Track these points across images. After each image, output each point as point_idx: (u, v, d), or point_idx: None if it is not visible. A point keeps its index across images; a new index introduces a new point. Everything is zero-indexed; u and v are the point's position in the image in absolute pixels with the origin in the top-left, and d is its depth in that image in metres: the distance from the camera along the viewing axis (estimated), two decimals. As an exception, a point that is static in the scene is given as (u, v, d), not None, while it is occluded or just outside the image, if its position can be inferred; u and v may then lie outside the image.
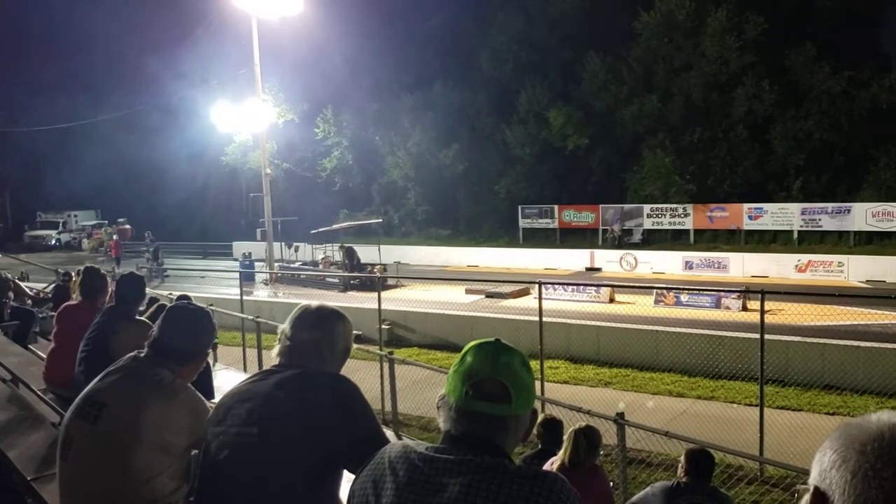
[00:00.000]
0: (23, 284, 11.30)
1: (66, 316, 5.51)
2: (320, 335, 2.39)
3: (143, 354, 2.72)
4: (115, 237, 34.01)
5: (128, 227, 49.27)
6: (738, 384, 12.81)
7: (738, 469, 8.11)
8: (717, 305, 19.14)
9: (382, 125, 42.73)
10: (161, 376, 2.64)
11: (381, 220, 36.20)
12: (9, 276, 10.28)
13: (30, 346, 7.91)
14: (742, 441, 9.17)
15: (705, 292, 19.96)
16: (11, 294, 9.79)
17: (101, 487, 2.50)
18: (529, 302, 17.91)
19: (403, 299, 19.88)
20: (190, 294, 9.46)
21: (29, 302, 10.30)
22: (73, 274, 8.20)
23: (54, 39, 57.57)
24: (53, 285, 12.16)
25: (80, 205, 52.60)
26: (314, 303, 2.53)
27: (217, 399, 2.50)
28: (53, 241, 49.78)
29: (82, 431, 2.56)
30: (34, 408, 4.77)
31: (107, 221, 50.87)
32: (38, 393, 4.88)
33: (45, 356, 5.84)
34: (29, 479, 3.55)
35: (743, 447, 8.40)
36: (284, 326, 2.43)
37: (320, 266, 28.99)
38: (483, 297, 22.16)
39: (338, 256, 29.06)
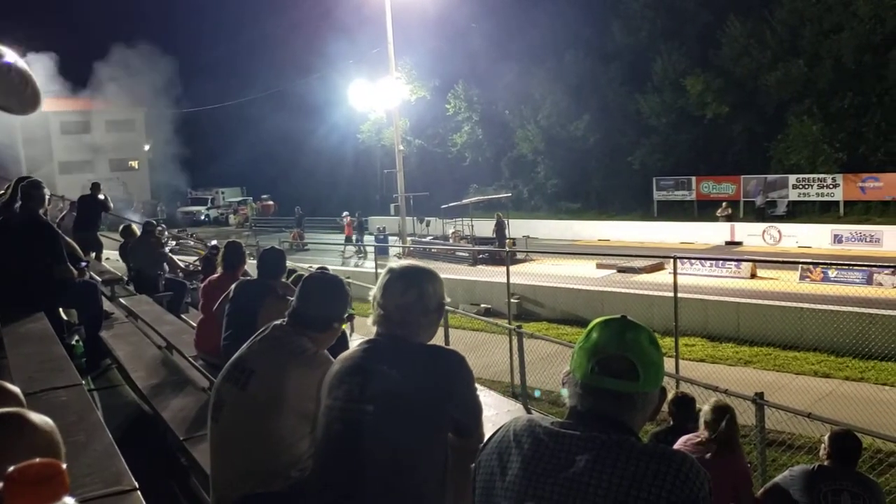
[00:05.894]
0: (175, 258, 12.05)
1: (211, 288, 5.89)
2: (411, 300, 2.35)
3: (284, 323, 2.80)
4: (347, 217, 34.28)
5: (270, 202, 51.47)
6: (890, 365, 12.04)
7: (889, 455, 7.63)
8: (869, 282, 17.93)
9: (513, 99, 42.45)
10: (303, 346, 2.71)
11: (510, 195, 36.12)
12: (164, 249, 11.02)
13: (182, 316, 8.44)
14: (894, 425, 8.61)
15: (856, 267, 18.77)
16: (166, 266, 10.51)
17: (247, 449, 2.61)
18: (664, 277, 17.41)
19: (532, 273, 19.78)
20: (328, 266, 9.83)
21: (181, 274, 11.00)
22: (219, 247, 8.67)
23: (202, 24, 60.99)
24: (203, 258, 12.90)
25: (227, 181, 54.99)
26: (399, 264, 2.47)
27: None
28: (203, 217, 51.92)
29: (232, 395, 2.68)
30: (185, 373, 5.07)
31: (251, 197, 53.29)
32: (190, 359, 5.20)
33: (195, 325, 6.25)
34: (181, 438, 3.78)
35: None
36: (375, 292, 2.40)
37: (450, 240, 29.34)
38: (615, 271, 21.62)
39: (467, 231, 29.32)
